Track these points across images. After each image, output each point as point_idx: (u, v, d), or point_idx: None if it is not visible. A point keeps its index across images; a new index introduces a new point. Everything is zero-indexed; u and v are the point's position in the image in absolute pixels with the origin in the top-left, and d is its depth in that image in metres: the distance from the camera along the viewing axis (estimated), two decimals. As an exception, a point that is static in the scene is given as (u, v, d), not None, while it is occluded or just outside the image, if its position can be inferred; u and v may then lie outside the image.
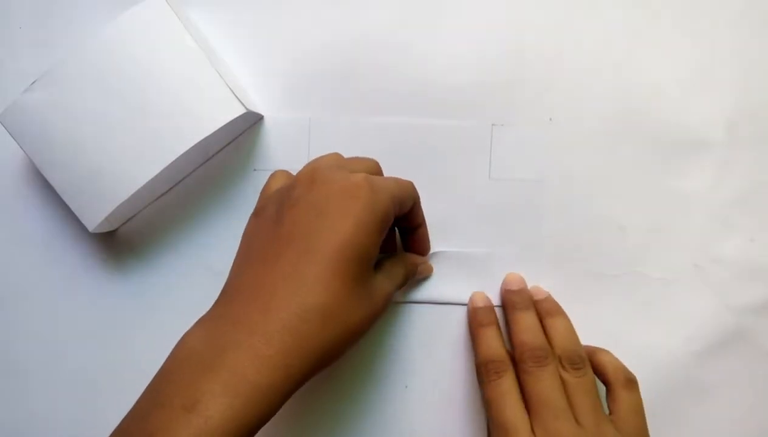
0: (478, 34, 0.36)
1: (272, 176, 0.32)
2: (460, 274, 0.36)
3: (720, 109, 0.35)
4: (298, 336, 0.25)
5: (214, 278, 0.36)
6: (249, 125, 0.36)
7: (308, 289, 0.25)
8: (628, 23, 0.35)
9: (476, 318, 0.34)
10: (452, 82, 0.36)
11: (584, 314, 0.35)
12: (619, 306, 0.35)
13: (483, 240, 0.36)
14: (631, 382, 0.32)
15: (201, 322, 0.27)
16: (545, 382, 0.31)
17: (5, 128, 0.33)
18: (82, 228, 0.34)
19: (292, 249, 0.26)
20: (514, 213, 0.36)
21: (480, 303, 0.35)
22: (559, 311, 0.34)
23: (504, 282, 0.35)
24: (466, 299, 0.35)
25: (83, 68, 0.32)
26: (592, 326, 0.35)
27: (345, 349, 0.26)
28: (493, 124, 0.36)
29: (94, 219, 0.33)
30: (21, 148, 0.33)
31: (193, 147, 0.32)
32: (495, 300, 0.35)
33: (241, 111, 0.32)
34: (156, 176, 0.32)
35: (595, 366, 0.33)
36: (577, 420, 0.30)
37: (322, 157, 0.31)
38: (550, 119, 0.35)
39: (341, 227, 0.26)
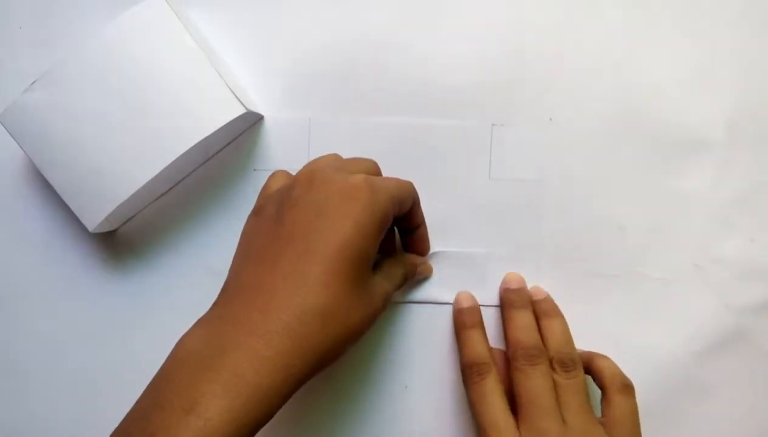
0: (478, 34, 0.36)
1: (272, 176, 0.32)
2: (459, 274, 0.36)
3: (720, 109, 0.35)
4: (298, 337, 0.25)
5: (214, 278, 0.36)
6: (249, 125, 0.36)
7: (308, 290, 0.25)
8: (628, 23, 0.35)
9: (460, 320, 0.34)
10: (452, 82, 0.36)
11: (584, 314, 0.35)
12: (619, 306, 0.35)
13: (483, 240, 0.36)
14: (627, 388, 0.32)
15: (201, 322, 0.27)
16: (535, 381, 0.31)
17: (5, 128, 0.33)
18: (82, 228, 0.34)
19: (291, 249, 0.26)
20: (514, 213, 0.36)
21: (465, 304, 0.35)
22: (556, 312, 0.34)
23: (504, 281, 0.35)
24: (466, 299, 0.35)
25: (83, 68, 0.32)
26: (592, 326, 0.35)
27: (345, 349, 0.26)
28: (493, 124, 0.36)
29: (94, 219, 0.33)
30: (21, 148, 0.33)
31: (193, 147, 0.32)
32: (494, 299, 0.35)
33: (241, 111, 0.32)
34: (156, 176, 0.32)
35: (592, 371, 0.33)
36: (564, 420, 0.30)
37: (321, 158, 0.31)
38: (550, 119, 0.36)
39: (341, 228, 0.26)
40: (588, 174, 0.35)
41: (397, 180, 0.31)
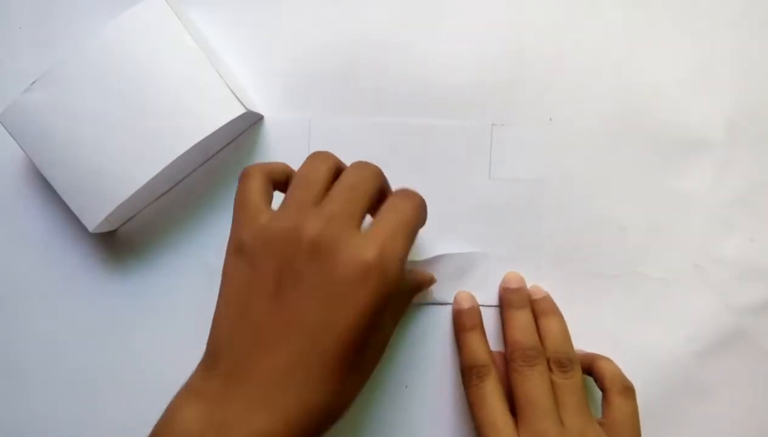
0: (478, 34, 0.36)
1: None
2: (459, 274, 0.36)
3: (720, 109, 0.35)
4: (300, 431, 0.24)
5: (214, 278, 0.36)
6: (249, 125, 0.36)
7: (313, 388, 0.24)
8: (628, 23, 0.35)
9: (460, 322, 0.34)
10: (452, 82, 0.36)
11: (584, 314, 0.35)
12: (619, 306, 0.35)
13: (483, 240, 0.36)
14: (627, 390, 0.32)
15: (195, 395, 0.25)
16: (533, 382, 0.31)
17: (5, 128, 0.33)
18: (82, 228, 0.34)
19: (294, 337, 0.24)
20: (514, 213, 0.36)
21: (464, 305, 0.35)
22: (554, 311, 0.34)
23: (503, 281, 0.35)
24: (466, 299, 0.35)
25: (83, 68, 0.32)
26: (592, 326, 0.35)
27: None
28: (493, 124, 0.36)
29: (94, 219, 0.33)
30: (21, 148, 0.33)
31: (193, 147, 0.32)
32: (494, 299, 0.35)
33: (241, 111, 0.32)
34: (156, 176, 0.32)
35: (594, 372, 0.33)
36: (562, 421, 0.30)
37: (316, 166, 0.28)
38: (550, 119, 0.36)
39: (349, 321, 0.24)
40: (588, 174, 0.35)
41: (410, 218, 0.27)
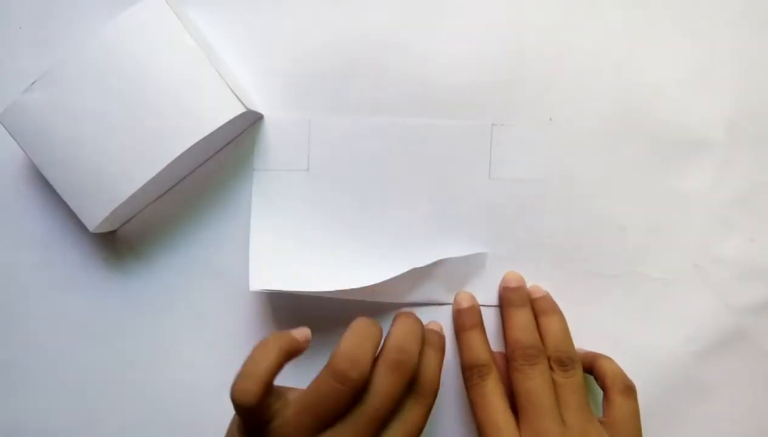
0: (478, 34, 0.36)
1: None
2: (459, 274, 0.36)
3: (720, 109, 0.35)
4: None
5: (214, 278, 0.36)
6: (249, 125, 0.36)
7: None
8: (628, 23, 0.35)
9: (460, 321, 0.34)
10: (452, 82, 0.36)
11: (584, 314, 0.35)
12: (619, 306, 0.35)
13: (483, 240, 0.36)
14: (629, 389, 0.32)
15: None
16: (534, 381, 0.31)
17: (5, 128, 0.33)
18: (82, 228, 0.34)
19: None
20: (514, 213, 0.36)
21: (464, 305, 0.35)
22: (554, 310, 0.34)
23: (503, 280, 0.35)
24: (466, 299, 0.35)
25: (83, 68, 0.32)
26: (592, 326, 0.35)
27: None
28: (493, 124, 0.36)
29: (94, 219, 0.33)
30: (21, 148, 0.33)
31: (192, 147, 0.32)
32: (494, 299, 0.35)
33: (240, 110, 0.32)
34: (156, 176, 0.32)
35: (595, 371, 0.33)
36: (563, 420, 0.30)
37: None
38: (550, 119, 0.35)
39: None
40: (588, 174, 0.35)
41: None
